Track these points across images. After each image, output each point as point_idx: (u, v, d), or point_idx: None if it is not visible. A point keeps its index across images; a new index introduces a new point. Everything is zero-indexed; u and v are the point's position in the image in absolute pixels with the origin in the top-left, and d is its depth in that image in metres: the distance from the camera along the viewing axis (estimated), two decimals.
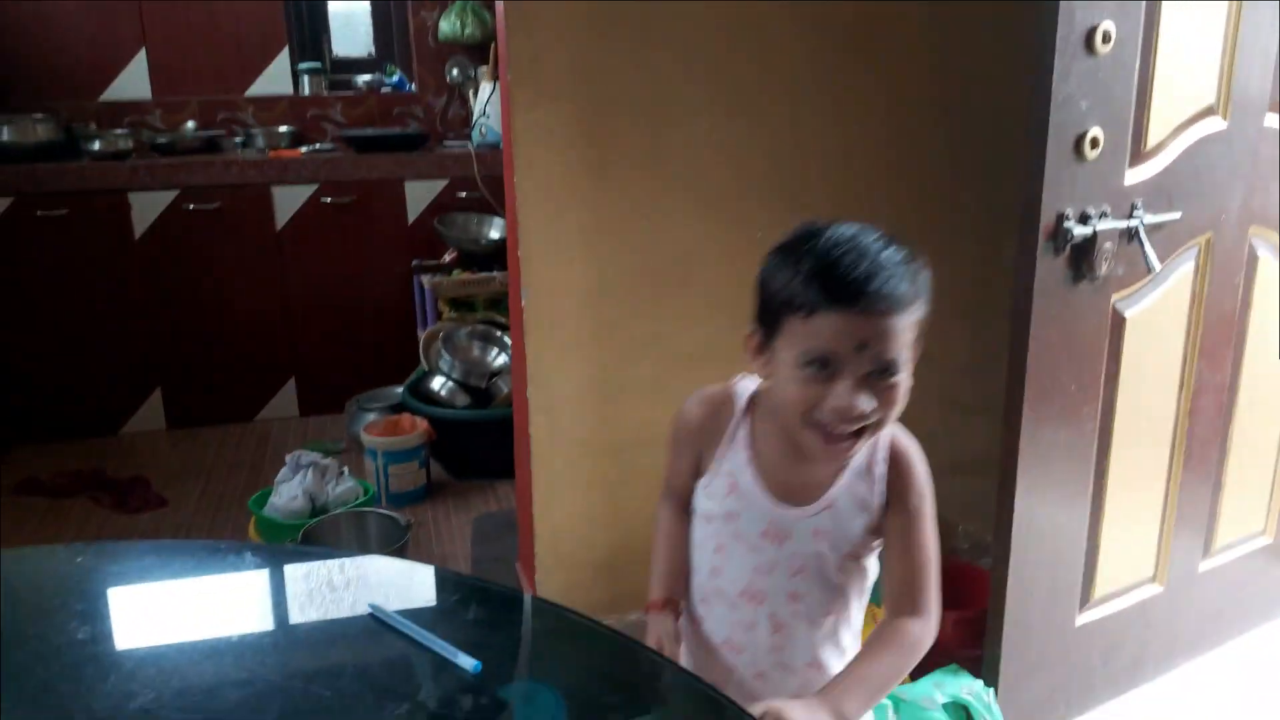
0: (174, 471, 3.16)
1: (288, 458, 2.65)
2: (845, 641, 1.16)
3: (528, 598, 1.12)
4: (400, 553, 2.34)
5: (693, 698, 0.92)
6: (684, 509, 1.19)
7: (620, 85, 1.93)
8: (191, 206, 3.32)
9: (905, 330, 0.96)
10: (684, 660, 1.18)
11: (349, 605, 1.02)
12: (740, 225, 2.06)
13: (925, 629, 1.08)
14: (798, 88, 2.04)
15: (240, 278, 3.43)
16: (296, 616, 1.02)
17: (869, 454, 1.09)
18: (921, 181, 2.17)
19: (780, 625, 1.12)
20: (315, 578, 1.09)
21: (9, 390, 3.33)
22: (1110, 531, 1.85)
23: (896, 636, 1.07)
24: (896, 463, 1.09)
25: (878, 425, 0.99)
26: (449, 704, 0.85)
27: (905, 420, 1.11)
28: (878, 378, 0.96)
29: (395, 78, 3.93)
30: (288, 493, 2.56)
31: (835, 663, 1.15)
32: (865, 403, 0.96)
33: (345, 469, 2.73)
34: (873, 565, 1.16)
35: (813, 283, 0.95)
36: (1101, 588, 1.89)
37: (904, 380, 0.98)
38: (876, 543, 1.12)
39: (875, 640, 1.09)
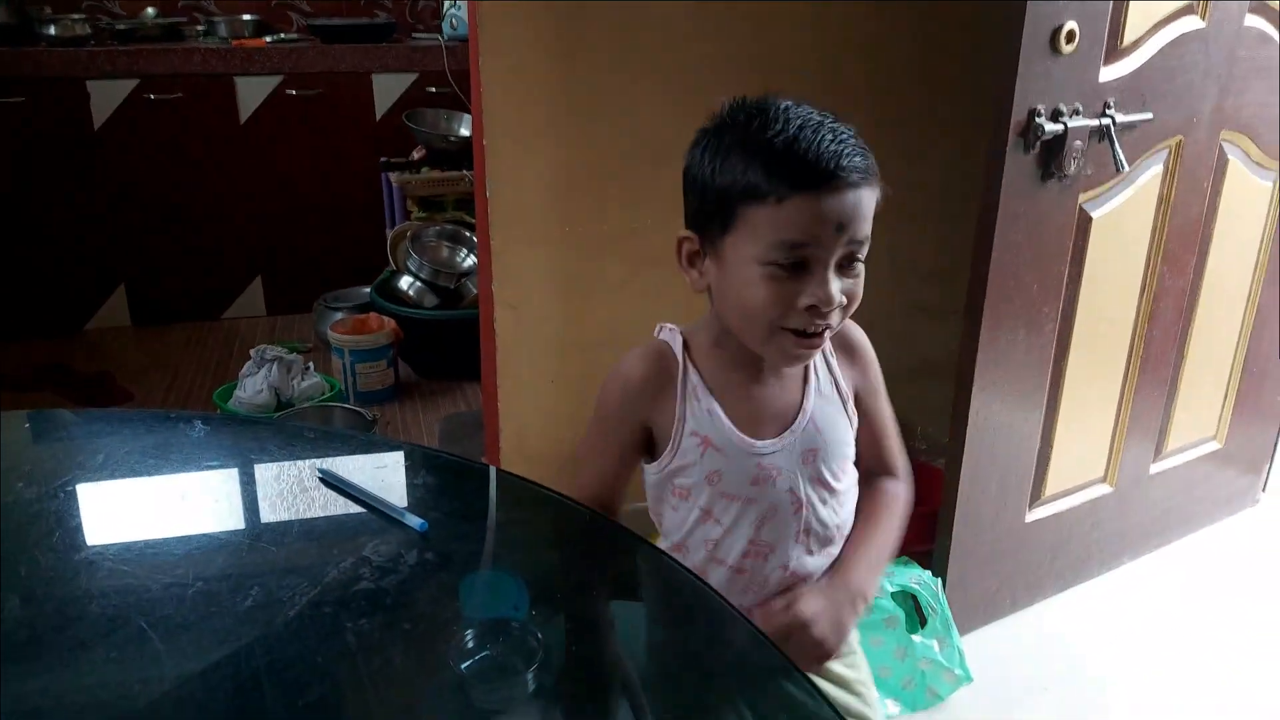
0: (140, 368, 3.13)
1: (252, 352, 2.64)
2: (847, 529, 1.08)
3: (493, 470, 1.11)
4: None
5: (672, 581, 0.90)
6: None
7: None
8: (152, 96, 3.22)
9: (872, 205, 0.89)
10: None
11: (301, 470, 1.02)
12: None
13: (906, 488, 1.09)
14: None
15: (203, 171, 3.35)
16: (245, 479, 1.02)
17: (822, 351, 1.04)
18: (899, 79, 2.13)
19: (789, 569, 1.03)
20: (269, 446, 1.09)
21: None
22: (1064, 431, 1.89)
23: (886, 500, 1.06)
24: (845, 345, 1.06)
25: (842, 315, 0.92)
26: (394, 559, 0.85)
27: (871, 324, 1.09)
28: (848, 263, 0.89)
29: None
30: (252, 386, 2.54)
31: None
32: (842, 293, 0.89)
33: (311, 365, 2.72)
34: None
35: (779, 166, 0.85)
36: (1052, 486, 1.93)
37: (863, 267, 0.92)
38: (855, 430, 1.06)
39: (869, 509, 1.06)
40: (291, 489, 0.99)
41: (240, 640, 0.78)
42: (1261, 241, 2.07)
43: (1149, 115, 1.72)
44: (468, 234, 3.14)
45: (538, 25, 1.86)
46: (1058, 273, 1.73)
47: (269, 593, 0.83)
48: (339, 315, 3.11)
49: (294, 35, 3.56)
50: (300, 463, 1.03)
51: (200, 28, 3.55)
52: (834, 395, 1.03)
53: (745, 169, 0.87)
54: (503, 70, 1.88)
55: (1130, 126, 1.70)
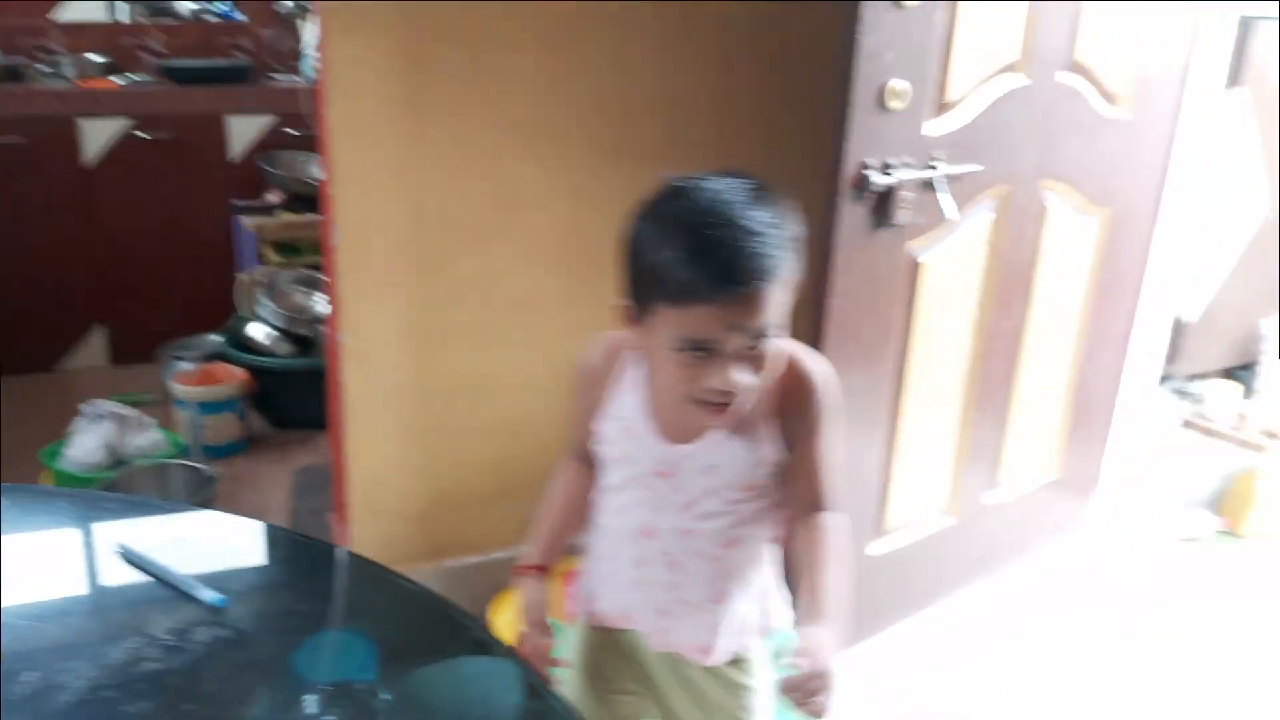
0: None
1: (84, 407, 2.49)
2: (749, 574, 1.16)
3: (341, 550, 1.06)
4: (206, 505, 2.23)
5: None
6: (585, 466, 1.18)
7: (441, 16, 1.85)
8: None
9: (776, 296, 0.96)
10: (583, 602, 1.19)
11: (95, 543, 0.96)
12: (564, 168, 2.03)
13: (840, 519, 1.12)
14: (622, 29, 2.01)
15: (43, 216, 3.16)
16: (33, 554, 0.95)
17: None
18: (743, 132, 2.19)
19: (675, 562, 1.12)
20: (63, 518, 1.02)
21: None
22: (904, 466, 1.95)
23: (830, 534, 1.10)
24: (793, 381, 1.09)
25: (749, 389, 0.99)
26: (183, 636, 0.80)
27: None
28: (751, 348, 0.97)
29: (222, 7, 3.69)
30: (83, 444, 2.40)
31: (739, 595, 1.15)
32: (742, 377, 0.96)
33: (149, 420, 2.58)
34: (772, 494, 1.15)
35: (679, 270, 0.92)
36: (895, 519, 1.99)
37: (773, 343, 0.98)
38: (770, 468, 1.11)
39: (817, 546, 1.10)
40: (82, 564, 0.93)
41: None
42: (1086, 281, 2.20)
43: (976, 166, 1.82)
44: (324, 279, 3.05)
45: (387, 72, 1.84)
46: (892, 315, 1.80)
47: (45, 677, 0.77)
48: (185, 365, 2.96)
49: (145, 77, 3.43)
50: (96, 535, 0.96)
51: (44, 68, 3.38)
52: (752, 426, 1.08)
53: (655, 264, 0.95)
54: (351, 116, 1.85)
55: (958, 177, 1.78)
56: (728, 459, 1.09)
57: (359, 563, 0.97)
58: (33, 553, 0.96)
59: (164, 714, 0.74)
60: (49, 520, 1.01)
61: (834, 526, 1.12)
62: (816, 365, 1.11)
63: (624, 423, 1.10)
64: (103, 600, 0.88)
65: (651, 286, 0.96)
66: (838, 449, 1.14)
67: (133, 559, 0.91)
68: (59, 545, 0.96)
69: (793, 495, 1.14)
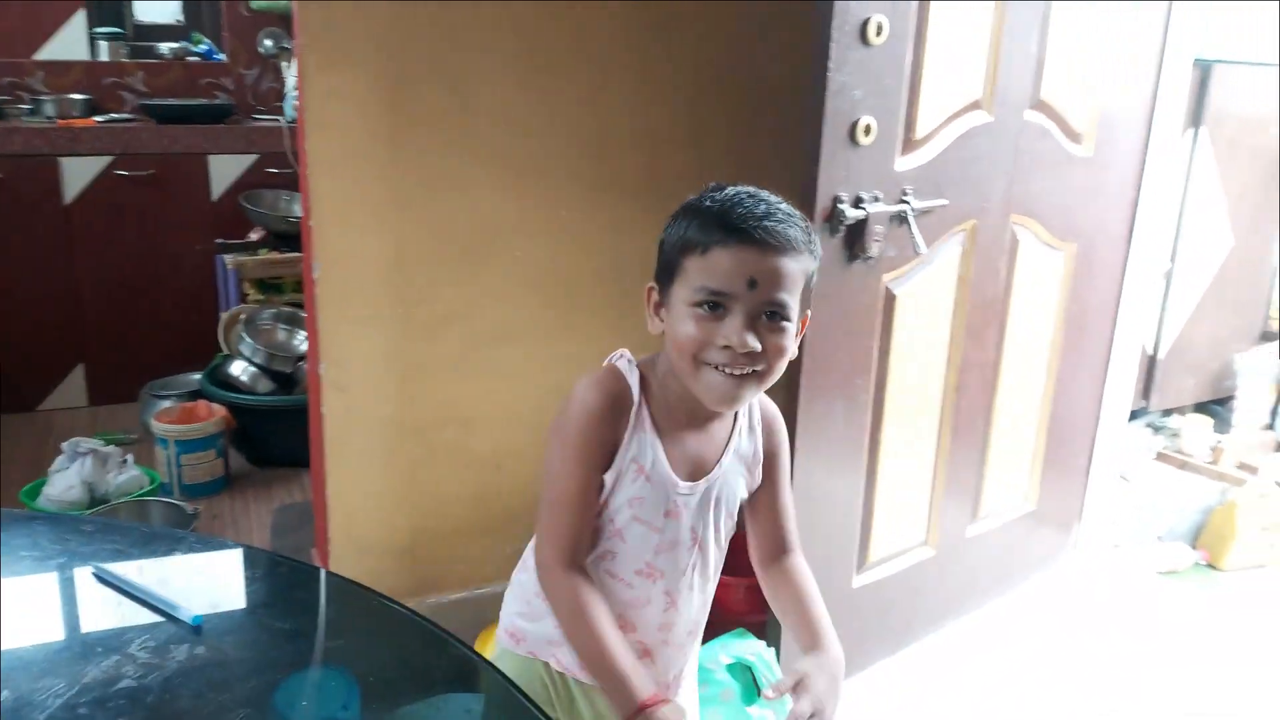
0: None
1: (64, 445, 2.48)
2: (710, 598, 1.19)
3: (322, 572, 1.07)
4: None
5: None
6: (586, 575, 1.07)
7: (420, 52, 1.89)
8: None
9: (794, 275, 1.00)
10: (537, 648, 1.15)
11: (73, 564, 0.96)
12: (544, 202, 2.06)
13: (804, 558, 1.19)
14: (601, 65, 2.05)
15: (23, 254, 3.17)
16: (8, 575, 0.95)
17: (746, 414, 1.14)
18: (717, 166, 2.23)
19: (674, 600, 1.13)
20: (41, 540, 1.02)
21: None
22: (884, 498, 1.96)
23: (804, 571, 1.17)
24: (768, 421, 1.16)
25: (764, 374, 1.01)
26: (161, 654, 0.81)
27: None
28: (766, 320, 0.99)
29: (203, 47, 3.73)
30: (63, 482, 2.38)
31: (704, 622, 1.19)
32: (754, 341, 0.98)
33: (129, 457, 2.57)
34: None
35: (710, 222, 0.99)
36: (876, 551, 2.00)
37: (790, 331, 1.01)
38: (746, 498, 1.17)
39: (798, 583, 1.16)
40: (60, 585, 0.93)
41: None
42: (1056, 314, 2.24)
43: (944, 201, 1.86)
44: (305, 316, 3.07)
45: (367, 108, 1.87)
46: (867, 347, 1.83)
47: (21, 696, 0.77)
48: (166, 404, 2.96)
49: (127, 115, 3.46)
50: (74, 557, 0.97)
51: (25, 106, 3.41)
52: (747, 456, 1.14)
53: (688, 228, 1.01)
54: (331, 150, 1.87)
55: (927, 211, 1.83)
56: (731, 490, 1.13)
57: (340, 583, 0.97)
58: (9, 573, 0.96)
59: None
60: (26, 542, 1.02)
61: (806, 567, 1.18)
62: (774, 406, 1.18)
63: (640, 464, 1.07)
64: (79, 620, 0.88)
65: (680, 248, 1.01)
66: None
67: (109, 579, 0.91)
68: (36, 566, 0.96)
69: (761, 532, 1.18)
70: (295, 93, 3.25)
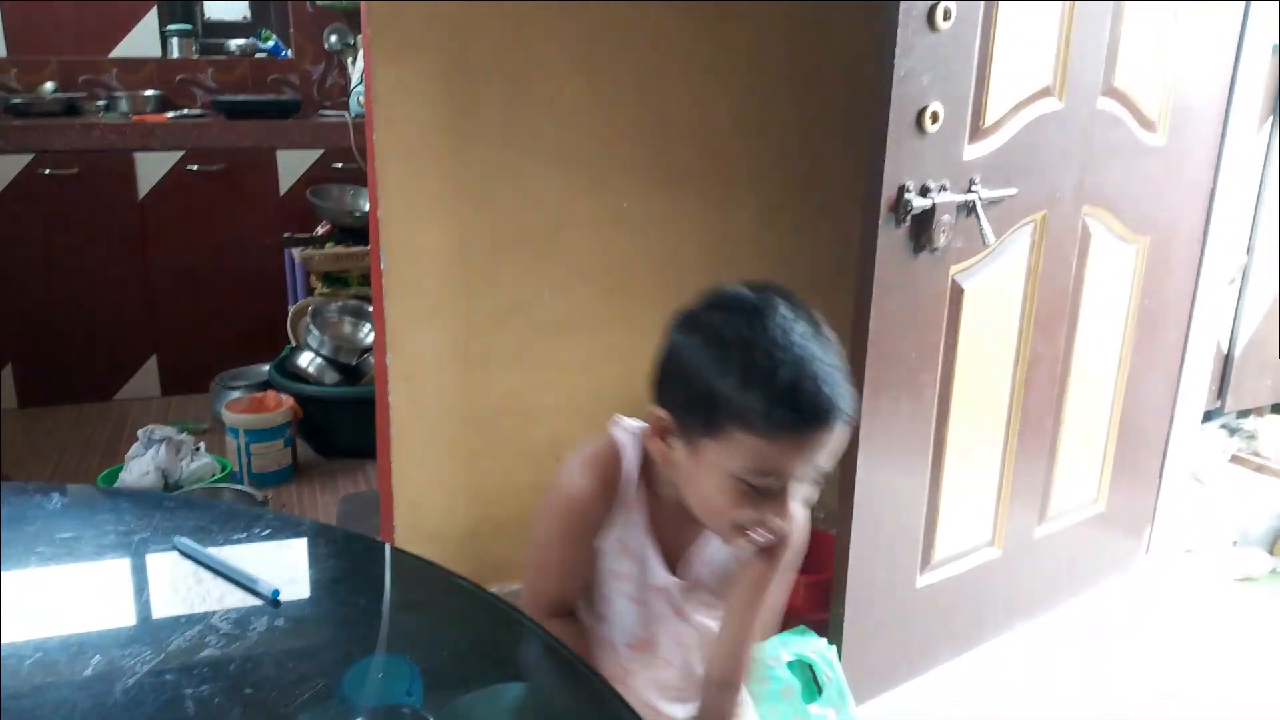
0: (23, 452, 3.00)
1: (140, 432, 2.55)
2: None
3: (387, 547, 1.08)
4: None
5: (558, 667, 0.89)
6: (574, 621, 1.09)
7: (484, 43, 1.91)
8: (48, 171, 3.15)
9: (845, 439, 0.94)
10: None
11: (156, 538, 0.99)
12: (606, 193, 2.07)
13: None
14: (661, 55, 2.05)
15: (99, 248, 3.27)
16: (98, 549, 0.98)
17: None
18: (783, 158, 2.22)
19: (668, 663, 1.13)
20: (125, 516, 1.05)
21: None
22: (949, 496, 1.93)
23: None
24: None
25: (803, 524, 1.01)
26: (243, 625, 0.83)
27: None
28: (814, 484, 0.96)
29: (270, 43, 3.82)
30: (138, 468, 2.46)
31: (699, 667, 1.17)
32: (799, 513, 0.97)
33: (201, 445, 2.64)
34: None
35: (779, 408, 0.88)
36: (941, 551, 1.96)
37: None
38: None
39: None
40: (145, 558, 0.96)
41: (76, 710, 0.74)
42: (1128, 310, 2.18)
43: (1013, 190, 1.82)
44: (370, 309, 3.12)
45: (432, 100, 1.90)
46: (933, 341, 1.80)
47: (110, 661, 0.79)
48: (236, 394, 3.03)
49: (197, 111, 3.55)
50: (156, 532, 0.99)
51: (101, 103, 3.52)
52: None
53: (744, 394, 0.89)
54: (397, 144, 1.90)
55: (996, 201, 1.79)
56: (721, 570, 1.10)
57: (416, 563, 0.99)
58: (95, 548, 0.99)
59: (223, 697, 0.76)
60: (111, 518, 1.05)
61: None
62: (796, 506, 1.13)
63: (623, 542, 1.05)
64: (163, 591, 0.91)
65: (723, 412, 0.90)
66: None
67: (190, 552, 0.94)
68: (121, 540, 0.99)
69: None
70: (360, 87, 3.31)
